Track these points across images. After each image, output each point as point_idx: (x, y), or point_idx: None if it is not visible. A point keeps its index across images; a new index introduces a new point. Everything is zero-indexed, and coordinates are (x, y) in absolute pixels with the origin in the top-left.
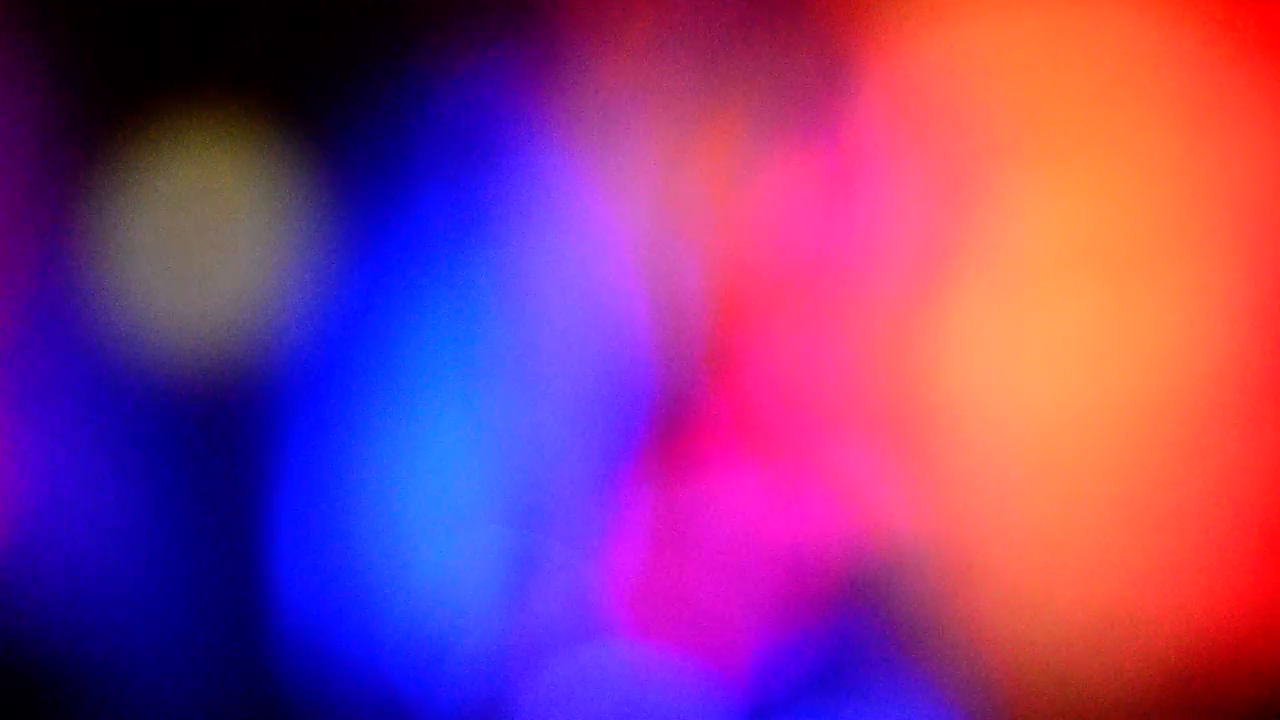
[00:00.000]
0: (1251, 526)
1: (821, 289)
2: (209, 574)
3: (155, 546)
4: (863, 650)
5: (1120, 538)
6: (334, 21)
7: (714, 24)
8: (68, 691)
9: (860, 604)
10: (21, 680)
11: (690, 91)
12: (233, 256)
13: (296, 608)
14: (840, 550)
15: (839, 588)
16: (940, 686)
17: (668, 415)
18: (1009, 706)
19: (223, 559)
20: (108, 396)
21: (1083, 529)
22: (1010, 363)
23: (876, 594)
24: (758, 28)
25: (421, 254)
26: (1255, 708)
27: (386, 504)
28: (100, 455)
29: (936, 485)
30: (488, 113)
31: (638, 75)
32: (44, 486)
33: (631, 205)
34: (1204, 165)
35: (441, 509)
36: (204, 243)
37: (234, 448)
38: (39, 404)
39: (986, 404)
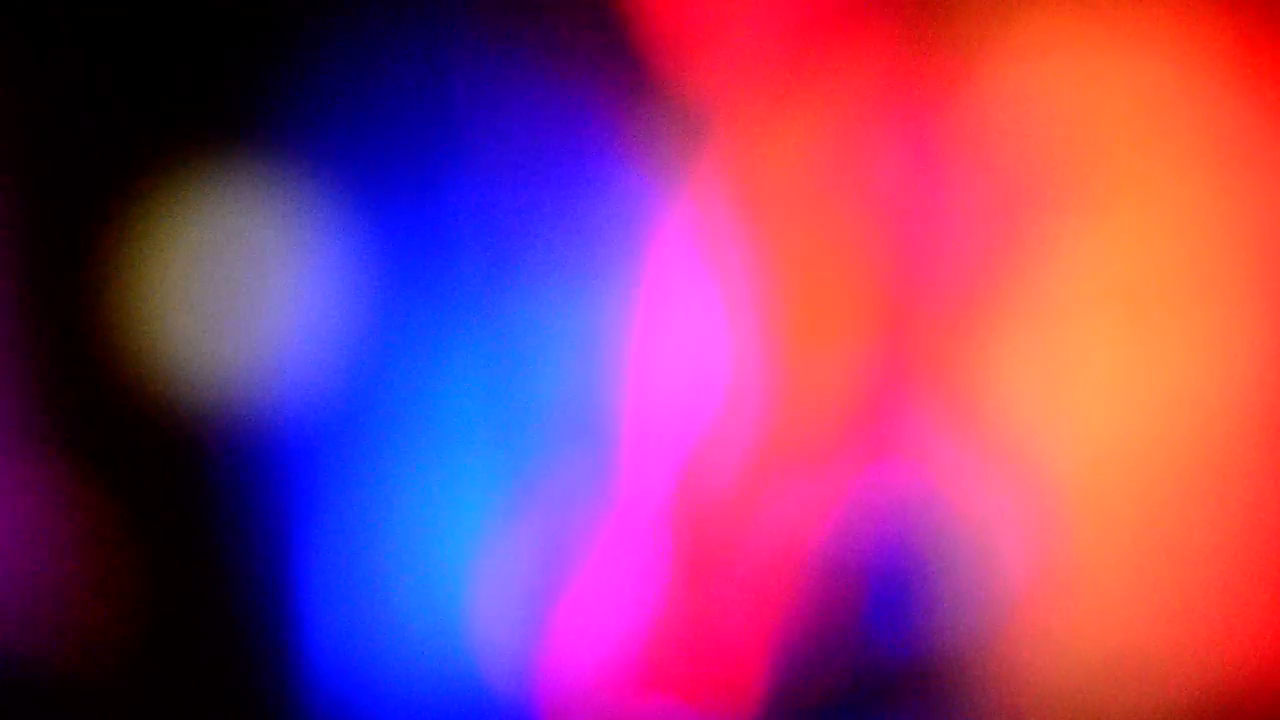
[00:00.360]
0: None
1: (872, 310)
2: (230, 625)
3: (178, 591)
4: (888, 682)
5: (1147, 573)
6: (359, 53)
7: (777, 37)
8: None
9: (888, 638)
10: None
11: (755, 108)
12: (255, 293)
13: (319, 661)
14: (869, 582)
15: (864, 622)
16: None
17: (711, 448)
18: None
19: (245, 609)
20: (130, 443)
21: (1111, 565)
22: (1047, 400)
23: (905, 627)
24: (819, 48)
25: (454, 291)
26: None
27: (409, 543)
28: (120, 502)
29: (966, 520)
30: (534, 135)
31: (709, 90)
32: (63, 536)
33: (692, 219)
34: (1243, 211)
35: (467, 545)
36: (225, 282)
37: (255, 492)
38: (57, 448)
39: (1019, 440)
